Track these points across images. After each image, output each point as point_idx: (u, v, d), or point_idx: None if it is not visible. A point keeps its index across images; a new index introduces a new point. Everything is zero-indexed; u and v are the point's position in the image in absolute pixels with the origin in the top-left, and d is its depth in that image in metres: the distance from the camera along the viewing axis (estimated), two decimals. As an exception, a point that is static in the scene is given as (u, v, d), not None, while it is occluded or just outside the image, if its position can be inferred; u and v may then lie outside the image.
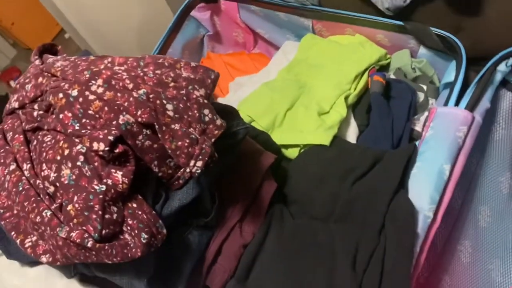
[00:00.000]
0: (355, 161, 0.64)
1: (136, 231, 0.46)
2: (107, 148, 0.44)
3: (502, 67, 0.63)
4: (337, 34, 0.84)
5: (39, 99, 0.51)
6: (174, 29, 0.92)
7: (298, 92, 0.77)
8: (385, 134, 0.71)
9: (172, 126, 0.47)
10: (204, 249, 0.56)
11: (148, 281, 0.50)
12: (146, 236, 0.46)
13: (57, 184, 0.46)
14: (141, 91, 0.46)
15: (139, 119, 0.45)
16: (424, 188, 0.59)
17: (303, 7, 0.83)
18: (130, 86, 0.46)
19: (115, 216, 0.46)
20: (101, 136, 0.44)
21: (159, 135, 0.46)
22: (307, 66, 0.81)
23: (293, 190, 0.65)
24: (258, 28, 0.94)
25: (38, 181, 0.48)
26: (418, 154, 0.63)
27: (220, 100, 0.90)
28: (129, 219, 0.46)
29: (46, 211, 0.46)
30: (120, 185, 0.45)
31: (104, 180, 0.45)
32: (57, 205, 0.47)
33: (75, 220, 0.45)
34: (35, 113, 0.51)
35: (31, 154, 0.50)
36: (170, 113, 0.47)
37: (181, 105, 0.48)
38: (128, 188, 0.46)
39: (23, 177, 0.49)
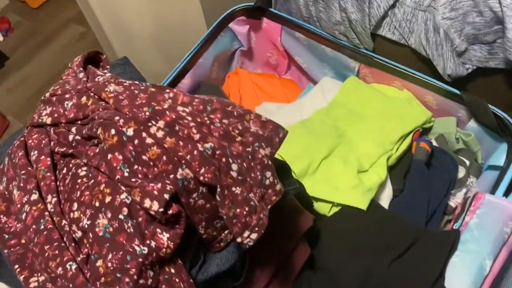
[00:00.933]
0: (393, 236, 0.60)
1: (169, 302, 0.40)
2: (161, 210, 0.37)
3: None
4: (383, 84, 0.80)
5: (79, 122, 0.43)
6: (209, 38, 0.85)
7: (336, 140, 0.72)
8: (421, 205, 0.67)
9: (233, 189, 0.41)
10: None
11: None
12: (180, 309, 0.40)
13: (90, 234, 0.39)
14: (207, 145, 0.40)
15: (201, 178, 0.39)
16: (463, 281, 0.56)
17: (355, 49, 0.78)
18: (197, 136, 0.40)
19: (149, 281, 0.40)
20: (155, 192, 0.38)
21: (218, 198, 0.40)
22: (347, 113, 0.76)
23: (323, 256, 0.60)
24: (297, 56, 0.88)
25: (63, 222, 0.41)
26: (460, 242, 0.59)
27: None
28: (164, 286, 0.40)
29: (71, 263, 0.39)
30: (164, 249, 0.39)
31: (147, 241, 0.39)
32: (84, 256, 0.40)
33: (102, 279, 0.39)
34: (70, 137, 0.44)
35: (58, 183, 0.43)
36: (234, 174, 0.41)
37: (245, 164, 0.42)
38: (172, 253, 0.40)
39: (46, 213, 0.41)
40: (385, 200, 0.69)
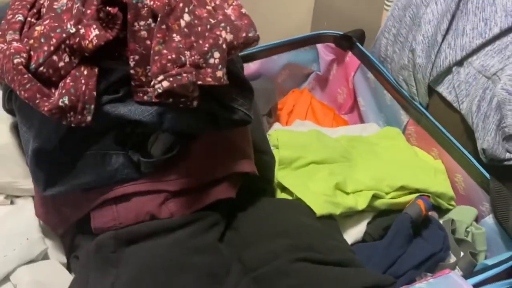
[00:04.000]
0: (326, 247, 0.53)
1: (63, 91, 0.41)
2: (102, -3, 0.41)
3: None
4: (422, 149, 0.74)
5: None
6: (293, 44, 0.90)
7: (338, 158, 0.67)
8: (381, 262, 0.58)
9: (173, 34, 0.42)
10: (115, 181, 0.49)
11: (38, 149, 0.44)
12: (66, 102, 0.41)
13: (48, 4, 0.44)
14: (175, -15, 0.43)
15: (151, 2, 0.42)
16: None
17: (410, 100, 0.74)
18: (173, -24, 0.43)
19: (61, 64, 0.42)
20: (108, -13, 0.41)
21: (155, 30, 0.42)
22: (369, 150, 0.72)
23: (245, 220, 0.55)
24: (360, 97, 0.87)
25: (43, -1, 0.47)
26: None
27: (276, 126, 0.83)
28: (69, 78, 0.42)
29: (20, 15, 0.44)
30: (87, 41, 0.42)
31: (79, 26, 0.42)
32: (34, 21, 0.44)
33: (31, 41, 0.43)
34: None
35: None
36: (182, 23, 0.43)
37: (199, 28, 0.44)
38: (92, 51, 0.42)
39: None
40: (350, 236, 0.61)
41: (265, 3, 1.10)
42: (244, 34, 0.45)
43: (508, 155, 0.61)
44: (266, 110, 0.82)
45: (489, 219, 0.62)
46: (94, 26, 0.42)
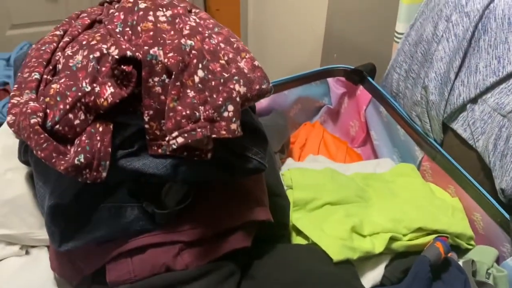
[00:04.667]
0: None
1: (79, 149, 0.42)
2: (117, 56, 0.41)
3: None
4: (438, 185, 0.73)
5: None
6: (304, 79, 0.90)
7: (353, 198, 0.67)
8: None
9: (187, 90, 0.43)
10: (130, 234, 0.48)
11: (55, 206, 0.44)
12: (82, 160, 0.41)
13: (64, 62, 0.45)
14: (189, 42, 0.43)
15: (165, 60, 0.42)
16: None
17: (424, 136, 0.74)
18: (186, 33, 0.44)
19: (76, 122, 0.42)
20: (122, 47, 0.42)
21: (169, 86, 0.42)
22: (384, 188, 0.71)
23: (262, 269, 0.54)
24: (373, 130, 0.87)
25: (59, 54, 0.47)
26: None
27: (289, 162, 0.83)
28: (84, 136, 0.42)
29: (36, 74, 0.45)
30: (102, 99, 0.42)
31: (94, 85, 0.42)
32: (50, 79, 0.45)
33: (47, 99, 0.43)
34: (111, 10, 0.52)
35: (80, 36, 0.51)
36: (196, 79, 0.43)
37: (213, 83, 0.44)
38: (107, 108, 0.42)
39: (54, 44, 0.49)
40: (368, 280, 0.60)
41: (276, 37, 1.12)
42: (257, 87, 0.45)
43: (529, 196, 0.60)
44: (278, 147, 0.81)
45: (511, 261, 0.60)
46: (109, 84, 0.42)
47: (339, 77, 0.91)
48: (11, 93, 0.50)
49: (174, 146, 0.42)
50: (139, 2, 0.46)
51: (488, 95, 0.64)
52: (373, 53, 1.00)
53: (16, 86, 0.51)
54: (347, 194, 0.67)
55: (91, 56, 0.43)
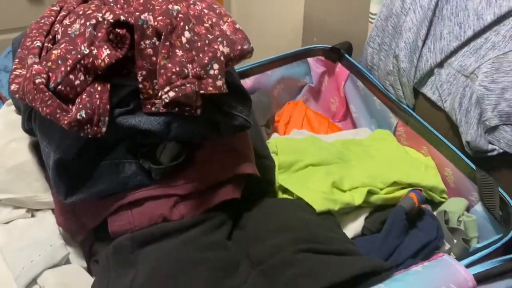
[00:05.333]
0: (327, 239, 0.57)
1: (80, 106, 0.46)
2: (112, 21, 0.46)
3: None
4: (412, 148, 0.78)
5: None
6: (285, 59, 0.95)
7: (334, 160, 0.72)
8: (380, 253, 0.62)
9: (176, 50, 0.47)
10: (128, 188, 0.53)
11: (59, 161, 0.49)
12: (83, 115, 0.46)
13: (63, 31, 0.49)
14: (176, 7, 0.48)
15: (155, 23, 0.47)
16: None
17: (397, 103, 0.79)
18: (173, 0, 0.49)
19: (77, 82, 0.47)
20: (116, 12, 0.47)
21: (160, 47, 0.47)
22: (362, 151, 0.76)
23: (251, 219, 0.59)
24: (352, 104, 0.92)
25: (57, 25, 0.52)
26: (389, 278, 0.53)
27: (274, 136, 0.88)
28: (84, 94, 0.47)
29: (38, 41, 0.49)
30: (100, 60, 0.47)
31: (92, 47, 0.47)
32: (50, 46, 0.50)
33: (49, 63, 0.48)
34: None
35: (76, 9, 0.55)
36: (183, 40, 0.48)
37: (199, 43, 0.49)
38: (104, 68, 0.47)
39: (52, 17, 0.53)
40: (349, 230, 0.65)
41: (257, 23, 1.17)
42: (239, 47, 0.50)
43: (490, 147, 0.65)
44: (264, 121, 0.87)
45: (478, 207, 0.66)
46: (105, 47, 0.47)
47: (318, 56, 0.97)
48: (13, 67, 0.54)
49: (167, 100, 0.47)
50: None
51: (452, 58, 0.70)
52: (350, 33, 1.06)
53: (17, 60, 0.55)
54: (328, 156, 0.72)
55: (87, 23, 0.48)
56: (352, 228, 0.65)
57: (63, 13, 0.54)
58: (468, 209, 0.69)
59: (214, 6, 0.52)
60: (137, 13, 0.47)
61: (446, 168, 0.72)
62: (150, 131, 0.50)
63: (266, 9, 1.17)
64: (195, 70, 0.48)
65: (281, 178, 0.68)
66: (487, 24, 0.66)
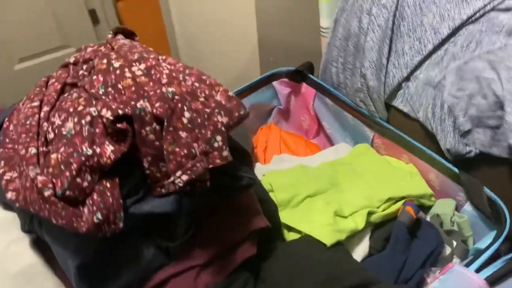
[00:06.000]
0: (345, 273, 0.59)
1: (94, 208, 0.45)
2: (111, 118, 0.45)
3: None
4: (392, 157, 0.82)
5: (91, 62, 0.55)
6: (252, 87, 0.96)
7: (328, 186, 0.74)
8: (392, 270, 0.65)
9: (180, 132, 0.47)
10: (151, 272, 0.52)
11: (80, 266, 0.47)
12: (100, 218, 0.45)
13: (56, 132, 0.48)
14: (170, 89, 0.48)
15: (155, 110, 0.47)
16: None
17: (371, 117, 0.83)
18: (164, 81, 0.48)
19: (85, 184, 0.46)
20: (113, 107, 0.46)
21: (164, 133, 0.47)
22: (349, 170, 0.79)
23: (269, 269, 0.60)
24: (324, 121, 0.95)
25: (45, 124, 0.50)
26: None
27: (258, 166, 0.89)
28: (95, 195, 0.46)
29: (32, 148, 0.47)
30: (105, 158, 0.46)
31: (94, 147, 0.46)
32: (46, 150, 0.48)
33: (50, 169, 0.46)
34: (80, 72, 0.55)
35: (57, 103, 0.53)
36: (185, 120, 0.48)
37: (199, 120, 0.49)
38: (111, 165, 0.46)
39: (37, 115, 0.51)
40: (358, 254, 0.68)
41: (212, 56, 1.17)
42: (236, 114, 0.51)
43: (468, 148, 0.70)
44: (246, 155, 0.87)
45: (468, 207, 0.71)
46: (107, 143, 0.46)
47: (282, 79, 0.99)
48: (0, 170, 0.52)
49: (181, 184, 0.47)
50: (112, 61, 0.49)
51: (417, 72, 0.74)
52: (305, 49, 1.09)
53: (2, 162, 0.53)
54: (321, 184, 0.74)
55: (83, 121, 0.47)
56: (361, 251, 0.68)
57: (45, 108, 0.52)
58: (457, 209, 0.73)
59: (203, 77, 0.52)
60: (133, 102, 0.47)
61: (429, 173, 0.76)
62: (163, 213, 0.50)
63: (218, 37, 1.17)
64: (201, 147, 0.48)
65: (282, 216, 0.70)
66: (444, 37, 0.71)
